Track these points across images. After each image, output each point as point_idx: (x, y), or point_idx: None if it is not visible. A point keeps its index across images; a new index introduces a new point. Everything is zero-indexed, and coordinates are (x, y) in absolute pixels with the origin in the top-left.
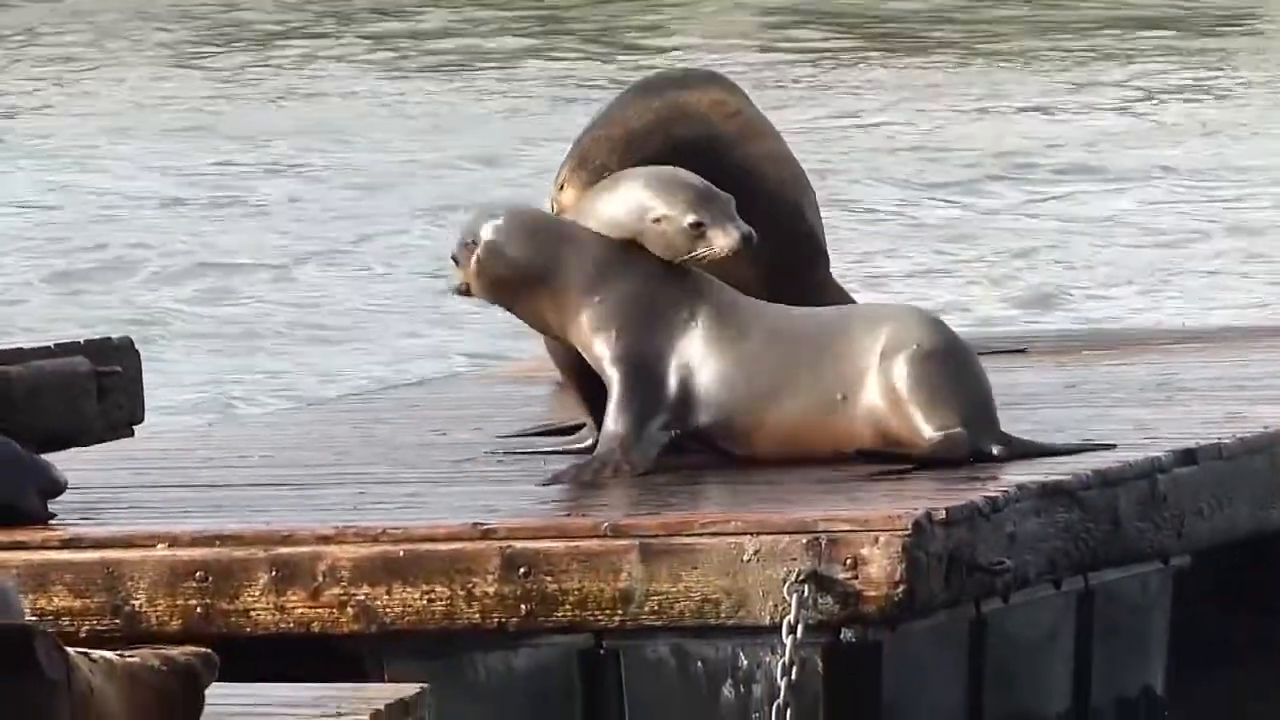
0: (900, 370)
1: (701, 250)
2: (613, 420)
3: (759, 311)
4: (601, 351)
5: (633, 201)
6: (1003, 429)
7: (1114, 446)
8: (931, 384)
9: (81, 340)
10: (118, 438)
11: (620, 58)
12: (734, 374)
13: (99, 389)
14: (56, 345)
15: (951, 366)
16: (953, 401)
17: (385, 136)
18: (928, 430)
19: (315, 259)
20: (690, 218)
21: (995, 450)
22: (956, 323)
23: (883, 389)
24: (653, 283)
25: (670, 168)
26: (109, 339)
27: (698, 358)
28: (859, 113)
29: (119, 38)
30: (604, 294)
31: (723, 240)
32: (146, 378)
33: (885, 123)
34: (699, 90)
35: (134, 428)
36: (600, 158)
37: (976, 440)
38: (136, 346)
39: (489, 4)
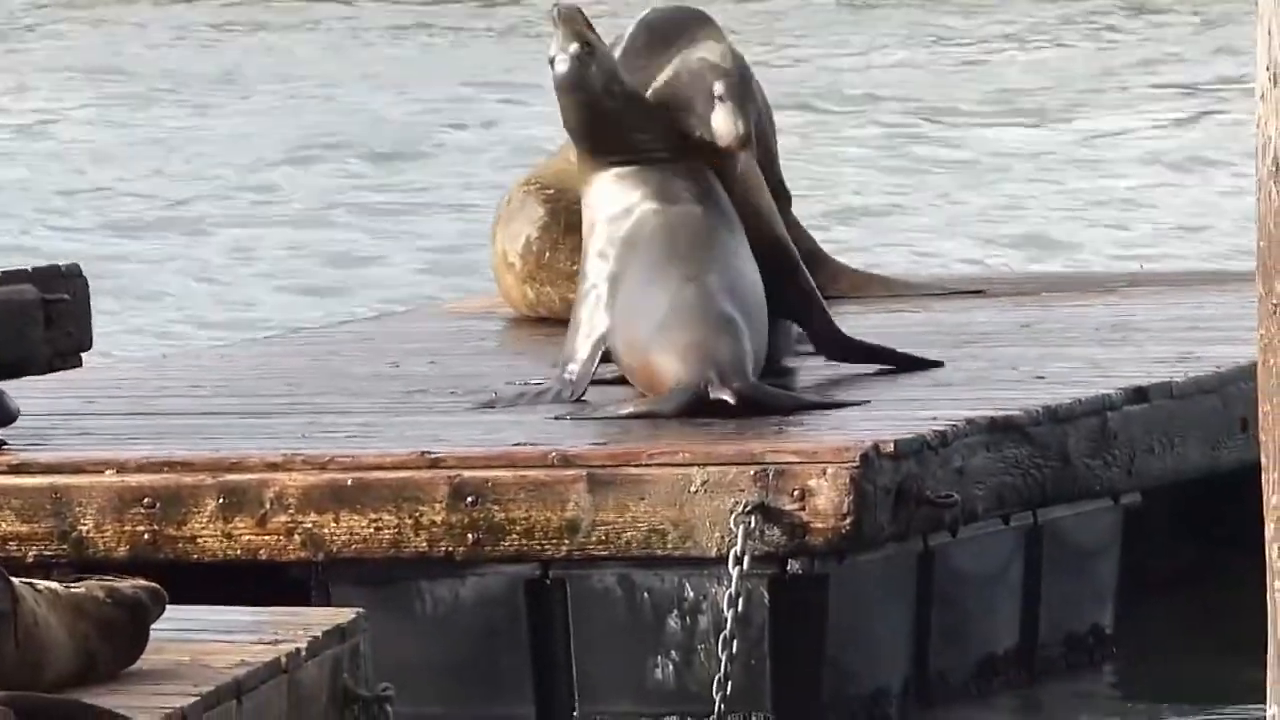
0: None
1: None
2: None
3: None
4: None
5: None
6: (751, 380)
7: (868, 402)
8: (647, 340)
9: (29, 268)
10: (66, 366)
11: None
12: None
13: (46, 317)
14: (3, 273)
15: (670, 323)
16: (674, 357)
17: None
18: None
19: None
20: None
21: (728, 399)
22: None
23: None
24: None
25: None
26: (57, 266)
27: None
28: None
29: None
30: None
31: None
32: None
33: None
34: (701, 34)
35: (82, 356)
36: None
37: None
38: (84, 273)
39: None
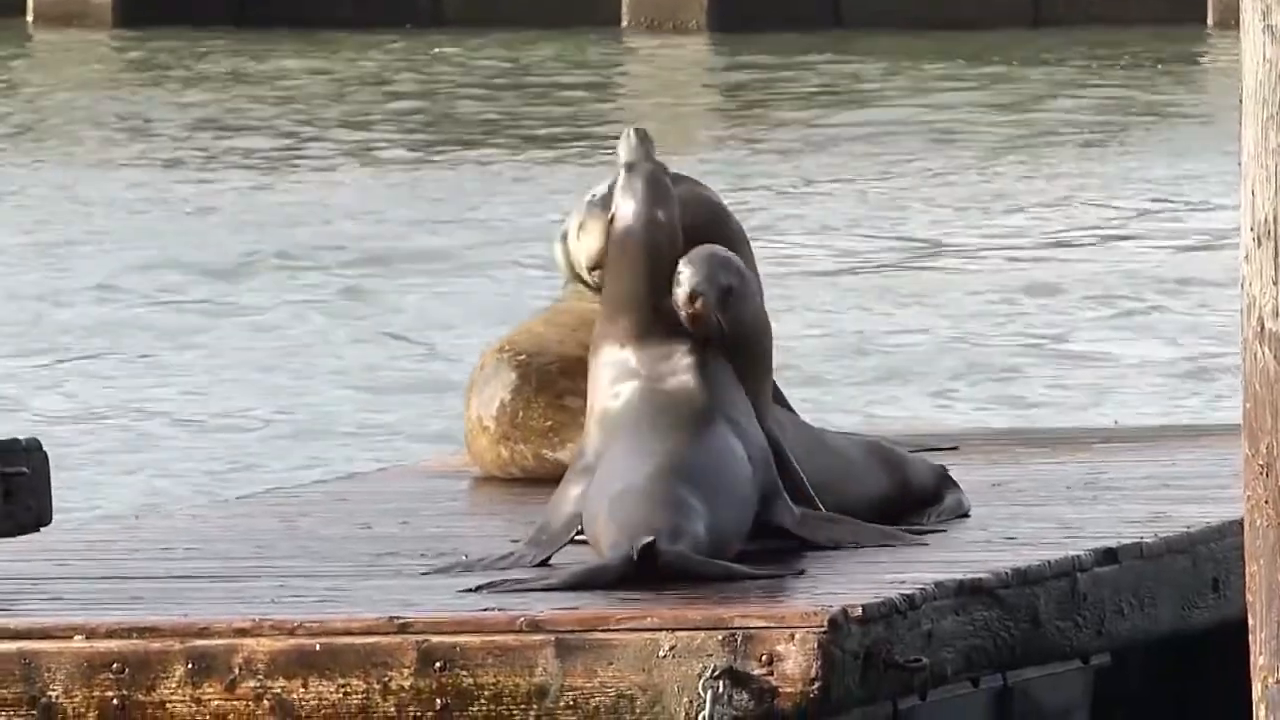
0: None
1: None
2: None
3: None
4: None
5: None
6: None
7: (802, 572)
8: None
9: None
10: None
11: None
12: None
13: (5, 490)
14: None
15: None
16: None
17: None
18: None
19: None
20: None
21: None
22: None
23: None
24: None
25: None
26: (16, 440)
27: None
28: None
29: None
30: None
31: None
32: None
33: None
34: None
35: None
36: None
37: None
38: (44, 448)
39: None
